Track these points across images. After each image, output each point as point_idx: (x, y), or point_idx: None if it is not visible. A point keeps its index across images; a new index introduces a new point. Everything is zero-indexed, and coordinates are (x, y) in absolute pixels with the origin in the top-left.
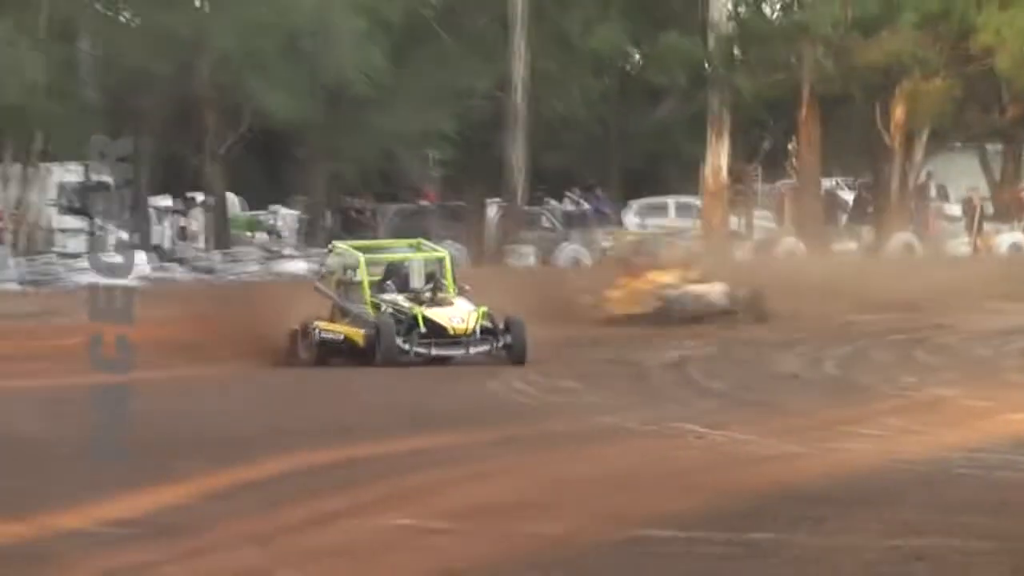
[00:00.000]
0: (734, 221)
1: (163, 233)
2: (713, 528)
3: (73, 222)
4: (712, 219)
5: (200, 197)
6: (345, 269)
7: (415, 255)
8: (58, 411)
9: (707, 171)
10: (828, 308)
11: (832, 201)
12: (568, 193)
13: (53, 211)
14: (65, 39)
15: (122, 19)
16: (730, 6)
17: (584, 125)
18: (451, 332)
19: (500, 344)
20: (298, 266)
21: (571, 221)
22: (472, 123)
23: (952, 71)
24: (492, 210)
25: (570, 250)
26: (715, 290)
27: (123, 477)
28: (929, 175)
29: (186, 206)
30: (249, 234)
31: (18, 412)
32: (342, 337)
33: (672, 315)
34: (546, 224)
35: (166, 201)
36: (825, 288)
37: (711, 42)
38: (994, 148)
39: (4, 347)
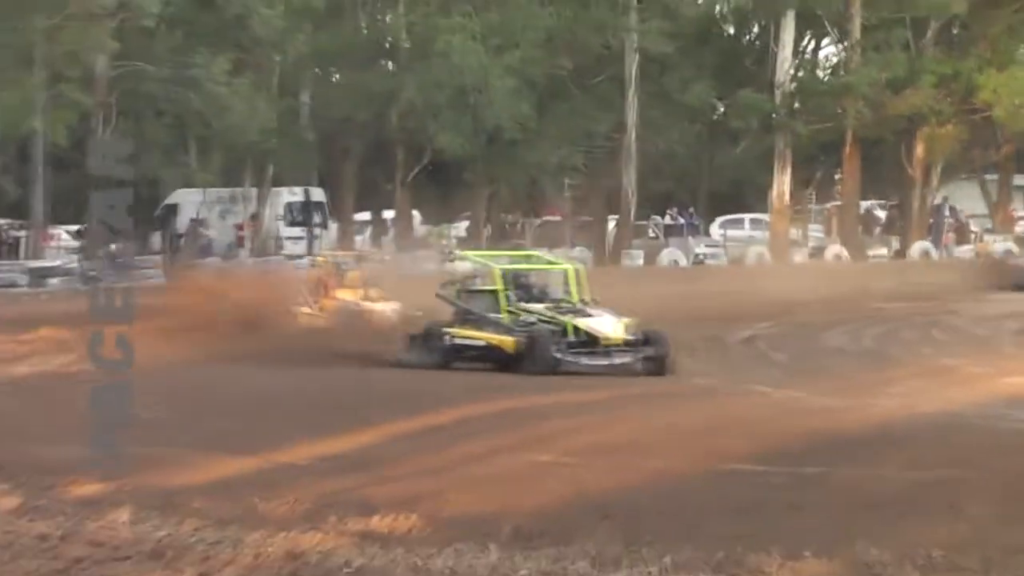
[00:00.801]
0: (794, 232)
1: (362, 240)
2: (777, 463)
3: (294, 231)
4: (778, 231)
5: (388, 213)
6: (465, 278)
7: (562, 266)
8: (286, 371)
9: (774, 194)
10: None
11: (869, 218)
12: (668, 211)
13: (280, 223)
14: (290, 94)
15: (333, 79)
16: (791, 70)
17: (681, 159)
18: (604, 342)
19: (642, 355)
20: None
21: (671, 232)
22: (596, 157)
23: (960, 119)
24: (611, 224)
25: (669, 253)
26: (389, 308)
27: (325, 424)
28: (946, 198)
29: (379, 220)
30: (444, 241)
31: (255, 373)
32: (484, 343)
33: (356, 329)
34: (651, 235)
35: (364, 216)
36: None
37: (777, 97)
38: (991, 178)
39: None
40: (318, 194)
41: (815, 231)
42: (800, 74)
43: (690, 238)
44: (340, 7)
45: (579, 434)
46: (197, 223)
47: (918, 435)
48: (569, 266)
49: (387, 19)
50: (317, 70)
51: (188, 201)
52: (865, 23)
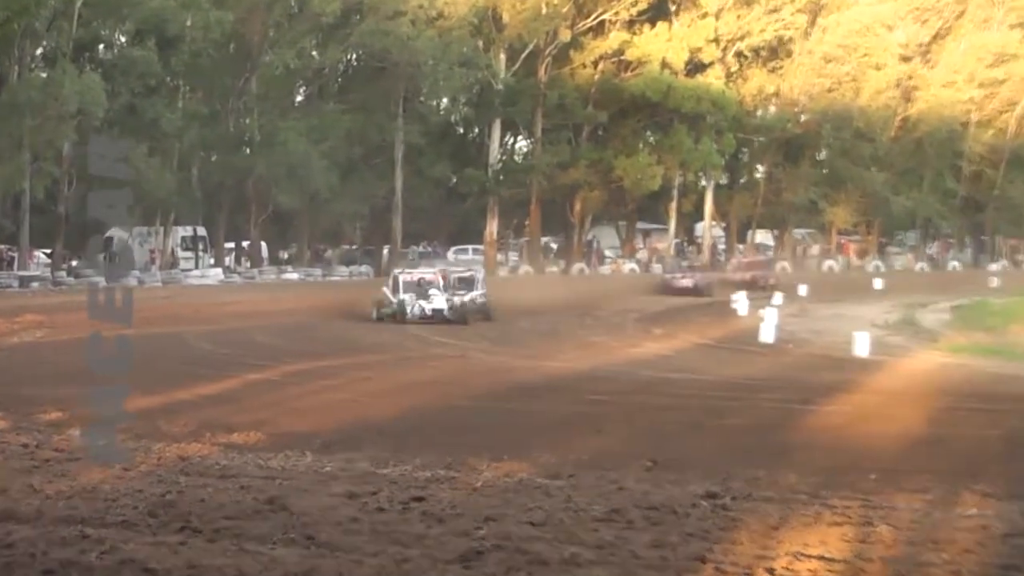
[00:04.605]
0: (500, 256)
1: (230, 259)
2: (491, 400)
3: (186, 254)
4: (489, 256)
5: (246, 243)
6: None
7: None
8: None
9: (487, 233)
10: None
11: (546, 248)
12: (422, 243)
13: (178, 249)
14: (185, 168)
15: (212, 159)
16: (499, 156)
17: (429, 212)
18: None
19: None
20: (292, 276)
21: (423, 256)
22: (376, 209)
23: (603, 187)
24: (385, 250)
25: (422, 270)
26: None
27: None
28: (594, 236)
29: (240, 248)
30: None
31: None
32: None
33: None
34: (411, 258)
35: (230, 244)
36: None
37: (489, 173)
38: (623, 223)
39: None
40: (202, 231)
41: (513, 256)
42: (504, 158)
43: (435, 260)
44: (217, 113)
45: (363, 383)
46: (126, 248)
47: (576, 383)
48: None
49: (247, 121)
50: (202, 153)
51: (120, 235)
52: (544, 127)
